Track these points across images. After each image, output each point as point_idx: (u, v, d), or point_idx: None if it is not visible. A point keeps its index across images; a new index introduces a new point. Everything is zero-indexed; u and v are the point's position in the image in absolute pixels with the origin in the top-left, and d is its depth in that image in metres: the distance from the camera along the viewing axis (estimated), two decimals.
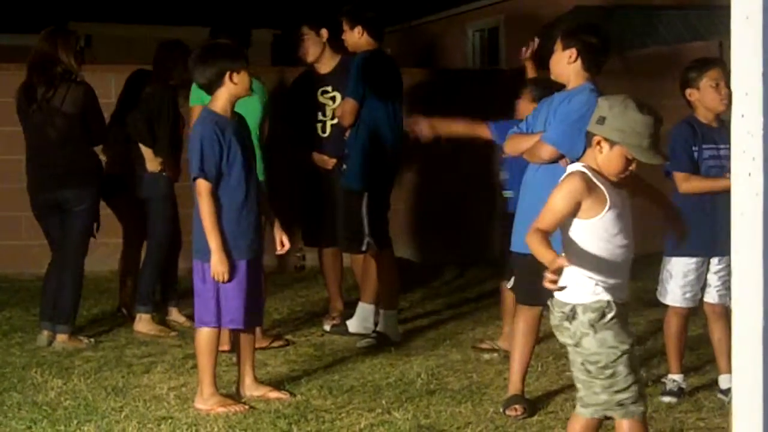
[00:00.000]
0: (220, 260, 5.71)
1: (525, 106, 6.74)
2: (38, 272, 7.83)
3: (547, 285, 4.17)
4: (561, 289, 4.23)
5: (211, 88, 5.80)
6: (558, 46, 5.86)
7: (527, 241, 4.33)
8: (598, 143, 4.38)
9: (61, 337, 7.34)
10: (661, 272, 6.16)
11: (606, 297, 4.36)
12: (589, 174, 4.38)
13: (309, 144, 8.12)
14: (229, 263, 5.74)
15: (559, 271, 4.15)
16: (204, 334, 5.89)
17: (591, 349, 4.38)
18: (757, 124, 3.23)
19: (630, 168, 4.39)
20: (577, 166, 4.45)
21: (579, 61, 5.80)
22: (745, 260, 3.28)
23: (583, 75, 5.82)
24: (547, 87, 6.80)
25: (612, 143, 4.35)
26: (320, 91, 8.07)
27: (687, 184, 5.98)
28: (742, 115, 3.27)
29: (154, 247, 7.91)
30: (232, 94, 5.82)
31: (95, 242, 7.65)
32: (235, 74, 5.76)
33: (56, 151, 7.32)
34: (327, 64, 8.07)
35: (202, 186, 5.68)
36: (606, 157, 4.37)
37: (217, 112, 5.79)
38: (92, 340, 7.50)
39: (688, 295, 6.09)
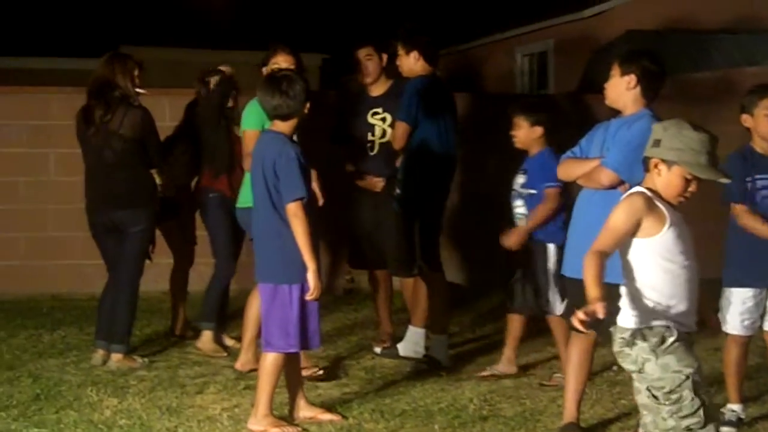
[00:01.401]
0: (319, 280, 5.79)
1: (526, 133, 7.04)
2: (93, 292, 7.92)
3: (574, 322, 4.22)
4: (585, 331, 4.28)
5: (289, 116, 5.88)
6: (615, 71, 5.81)
7: (585, 260, 4.31)
8: (656, 166, 4.40)
9: (116, 357, 7.42)
10: (720, 300, 6.10)
11: (664, 321, 4.34)
12: (649, 194, 4.39)
13: (357, 164, 8.16)
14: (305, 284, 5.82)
15: (591, 314, 4.15)
16: (275, 359, 5.90)
17: (654, 374, 4.37)
18: None
19: (690, 189, 4.39)
20: (637, 189, 4.45)
21: (638, 88, 5.77)
22: None
23: (641, 101, 5.79)
24: (542, 108, 7.23)
25: (670, 164, 4.36)
26: (371, 112, 8.09)
27: (748, 219, 5.95)
28: None
29: (223, 263, 7.97)
30: (300, 120, 5.93)
31: (148, 263, 7.73)
32: (308, 102, 5.88)
33: (114, 174, 7.42)
34: (380, 87, 8.12)
35: (300, 208, 5.73)
36: (665, 179, 4.38)
37: (291, 137, 5.91)
38: (146, 359, 7.57)
39: (746, 323, 6.04)
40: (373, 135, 8.08)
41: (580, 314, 4.15)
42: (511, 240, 7.04)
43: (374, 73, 8.08)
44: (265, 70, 6.98)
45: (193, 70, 8.32)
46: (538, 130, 7.07)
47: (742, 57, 15.17)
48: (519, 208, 7.11)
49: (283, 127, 5.89)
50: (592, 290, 4.20)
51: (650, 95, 5.82)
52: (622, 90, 5.80)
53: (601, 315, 4.14)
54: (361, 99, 8.23)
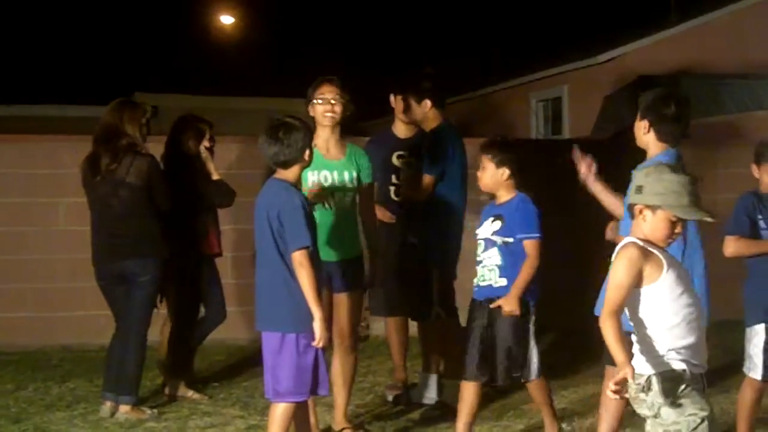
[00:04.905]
0: (326, 327, 5.73)
1: (491, 174, 6.51)
2: (103, 343, 7.86)
3: (610, 394, 4.24)
4: (622, 397, 4.27)
5: (288, 164, 5.85)
6: (637, 116, 5.90)
7: (603, 324, 4.33)
8: (641, 212, 4.46)
9: (125, 408, 7.35)
10: (747, 346, 6.04)
11: (680, 366, 4.36)
12: (641, 243, 4.42)
13: (381, 205, 8.11)
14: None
15: (623, 381, 4.18)
16: (286, 408, 5.83)
17: (670, 418, 4.37)
18: None
19: (676, 231, 4.46)
20: (627, 240, 4.49)
21: (652, 132, 5.82)
22: None
23: (659, 145, 5.82)
24: (508, 149, 6.60)
25: (654, 208, 4.43)
26: (396, 154, 8.06)
27: (735, 245, 5.98)
28: None
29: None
30: (303, 168, 5.91)
31: (157, 313, 7.69)
32: (309, 150, 5.85)
33: (121, 222, 7.39)
34: (408, 130, 8.07)
35: (305, 257, 5.68)
36: (651, 224, 4.44)
37: (295, 185, 5.87)
38: (155, 411, 7.50)
39: None
40: (398, 179, 8.02)
41: (613, 386, 4.18)
42: (511, 306, 6.38)
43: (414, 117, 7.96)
44: (310, 108, 6.79)
45: (209, 118, 8.29)
46: (506, 173, 6.51)
47: (752, 101, 15.19)
48: (491, 258, 6.46)
49: (287, 174, 5.86)
50: (618, 355, 4.23)
51: (668, 140, 5.83)
52: (640, 134, 5.89)
53: (630, 378, 4.20)
54: (387, 140, 8.18)
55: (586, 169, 6.08)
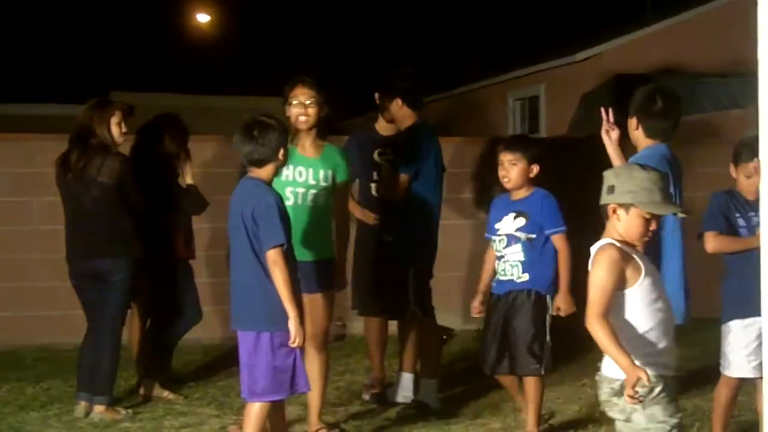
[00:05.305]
0: (300, 325, 5.71)
1: (523, 171, 6.62)
2: (77, 342, 7.80)
3: (629, 402, 4.22)
4: (642, 400, 4.25)
5: (262, 162, 5.82)
6: (629, 113, 6.00)
7: (593, 331, 4.31)
8: (614, 211, 4.47)
9: (99, 408, 7.31)
10: (723, 343, 6.02)
11: (653, 371, 4.34)
12: (618, 244, 4.42)
13: (363, 202, 8.09)
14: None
15: (636, 386, 4.17)
16: (262, 407, 5.82)
17: (641, 424, 4.38)
18: None
19: (651, 228, 4.47)
20: (604, 241, 4.48)
21: (641, 129, 5.93)
22: None
23: (647, 141, 5.93)
24: (535, 146, 6.75)
25: (627, 207, 4.43)
26: (378, 152, 8.04)
27: (715, 241, 5.95)
28: None
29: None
30: (277, 167, 5.89)
31: (131, 312, 7.64)
32: (284, 149, 5.84)
33: (93, 221, 7.35)
34: (391, 128, 8.02)
35: (279, 255, 5.66)
36: (625, 223, 4.44)
37: (270, 183, 5.85)
38: (130, 411, 7.46)
39: (754, 364, 5.89)
40: (379, 176, 8.02)
41: (631, 392, 4.18)
42: (568, 304, 6.52)
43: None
44: (287, 108, 6.76)
45: (187, 117, 8.26)
46: (535, 169, 6.62)
47: (729, 100, 15.23)
48: (515, 254, 6.60)
49: (262, 173, 5.84)
50: (622, 360, 4.23)
51: (655, 134, 5.94)
52: (631, 131, 6.02)
53: (647, 382, 4.18)
54: (369, 138, 8.17)
55: (608, 125, 6.09)
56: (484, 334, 6.72)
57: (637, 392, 4.18)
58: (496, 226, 6.68)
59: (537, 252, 6.55)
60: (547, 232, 6.55)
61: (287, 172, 6.54)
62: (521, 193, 6.65)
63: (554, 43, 22.79)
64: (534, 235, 6.54)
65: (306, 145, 6.67)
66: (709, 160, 9.44)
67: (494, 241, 6.70)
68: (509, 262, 6.61)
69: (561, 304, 6.53)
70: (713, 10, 19.92)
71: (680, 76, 16.85)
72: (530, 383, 6.59)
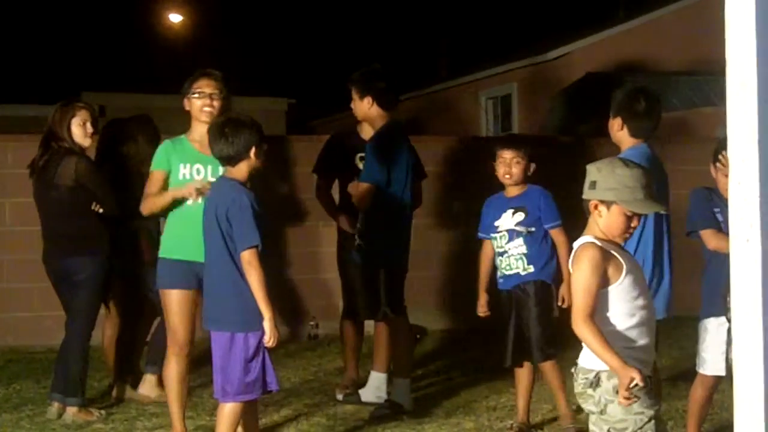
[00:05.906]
0: (275, 326, 5.68)
1: (524, 169, 6.75)
2: (51, 344, 7.79)
3: (624, 403, 4.21)
4: (638, 397, 4.23)
5: (233, 160, 5.80)
6: (611, 113, 6.05)
7: (581, 332, 4.30)
8: (596, 207, 4.43)
9: (72, 410, 7.27)
10: (699, 341, 6.00)
11: (629, 363, 4.29)
12: (599, 243, 4.39)
13: (340, 207, 8.09)
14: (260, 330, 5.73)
15: (630, 386, 4.16)
16: (234, 407, 5.80)
17: (617, 416, 4.33)
18: (754, 192, 3.25)
19: (632, 225, 4.44)
20: (584, 239, 4.45)
21: (625, 129, 5.99)
22: (745, 324, 3.30)
23: (631, 140, 5.99)
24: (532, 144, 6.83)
25: (608, 204, 4.40)
26: (359, 156, 7.94)
27: (716, 239, 5.79)
28: (739, 183, 3.29)
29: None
30: (252, 167, 5.82)
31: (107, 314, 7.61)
32: (258, 149, 5.79)
33: (58, 222, 7.36)
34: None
35: (254, 256, 5.64)
36: (607, 220, 4.41)
37: (245, 183, 5.81)
38: (103, 412, 7.43)
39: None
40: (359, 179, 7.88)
41: (626, 394, 4.18)
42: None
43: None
44: (186, 102, 6.64)
45: (157, 117, 8.23)
46: (532, 167, 6.79)
47: (699, 98, 15.31)
48: (518, 248, 6.73)
49: (236, 173, 5.81)
50: (612, 361, 4.22)
51: (640, 133, 6.01)
52: (614, 131, 6.07)
53: (641, 382, 4.15)
54: (349, 141, 8.13)
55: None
56: (505, 329, 6.80)
57: (632, 393, 4.18)
58: (496, 223, 6.80)
59: (538, 244, 6.71)
60: (546, 226, 6.72)
61: (184, 171, 6.47)
62: (516, 190, 6.81)
63: (526, 41, 22.85)
64: (534, 228, 6.71)
65: (205, 141, 6.20)
66: (680, 158, 9.49)
67: (494, 238, 6.82)
68: (513, 256, 6.76)
69: (565, 294, 6.66)
70: (683, 8, 20.04)
71: (650, 74, 16.94)
72: (549, 370, 6.75)
